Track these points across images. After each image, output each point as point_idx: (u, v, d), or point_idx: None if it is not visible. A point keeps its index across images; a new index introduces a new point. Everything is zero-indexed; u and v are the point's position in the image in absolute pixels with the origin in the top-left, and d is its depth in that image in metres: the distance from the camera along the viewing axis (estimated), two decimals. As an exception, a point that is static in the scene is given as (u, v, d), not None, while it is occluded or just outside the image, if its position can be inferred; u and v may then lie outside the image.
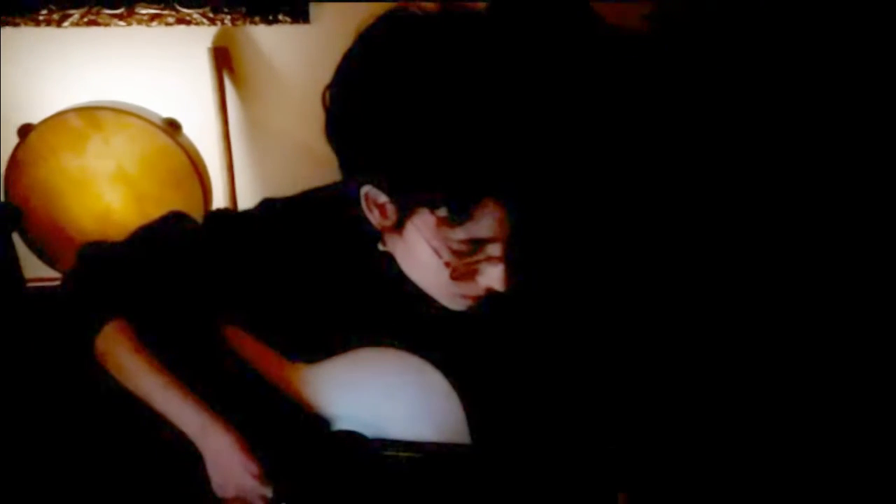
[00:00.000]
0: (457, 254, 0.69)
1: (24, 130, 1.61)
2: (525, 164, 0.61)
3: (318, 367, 0.81)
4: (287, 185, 2.00)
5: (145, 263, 0.80)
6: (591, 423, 0.80)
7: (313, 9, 1.75)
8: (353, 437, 0.80)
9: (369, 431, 0.80)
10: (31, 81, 1.73)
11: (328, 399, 0.81)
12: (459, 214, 0.64)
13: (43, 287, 1.78)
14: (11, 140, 1.63)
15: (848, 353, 1.22)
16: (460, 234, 0.66)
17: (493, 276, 0.69)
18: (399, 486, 0.78)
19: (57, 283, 1.78)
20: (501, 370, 0.80)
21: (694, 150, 1.31)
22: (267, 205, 0.85)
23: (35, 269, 1.77)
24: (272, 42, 1.80)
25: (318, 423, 0.81)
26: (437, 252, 0.69)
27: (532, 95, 0.61)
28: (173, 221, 0.85)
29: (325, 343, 0.80)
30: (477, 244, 0.68)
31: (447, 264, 0.69)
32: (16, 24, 1.66)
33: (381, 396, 0.80)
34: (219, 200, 1.82)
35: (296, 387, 0.81)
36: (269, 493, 0.75)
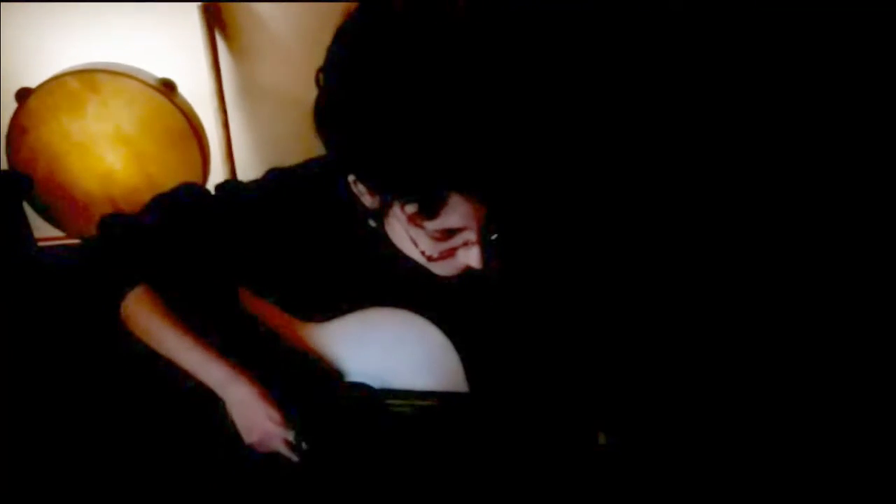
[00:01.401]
0: (434, 240, 0.74)
1: (23, 94, 1.63)
2: (484, 161, 0.64)
3: (327, 326, 0.89)
4: (282, 139, 2.05)
5: (165, 232, 0.86)
6: (573, 369, 0.89)
7: (303, -37, 1.76)
8: (362, 388, 0.89)
9: (376, 382, 0.89)
10: (23, 46, 1.74)
11: (338, 354, 0.89)
12: (427, 211, 0.68)
13: (51, 247, 1.84)
14: (7, 105, 1.66)
15: (843, 348, 1.24)
16: (434, 225, 0.71)
17: (470, 257, 0.75)
18: (405, 431, 0.87)
19: (64, 242, 1.85)
20: (492, 325, 0.88)
21: (674, 140, 1.34)
22: (273, 175, 0.90)
23: (40, 230, 1.82)
24: (262, -2, 1.81)
25: (330, 375, 0.89)
26: (413, 241, 0.75)
27: (487, 98, 0.63)
28: (187, 192, 0.91)
29: (333, 304, 0.88)
30: (451, 232, 0.73)
31: (422, 253, 0.76)
32: (6, -13, 1.66)
33: (386, 351, 0.88)
34: (216, 157, 1.86)
35: (308, 343, 0.89)
36: (290, 436, 0.84)
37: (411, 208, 0.70)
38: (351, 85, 0.67)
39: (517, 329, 0.88)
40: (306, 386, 0.88)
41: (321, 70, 0.72)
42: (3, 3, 1.68)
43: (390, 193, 0.71)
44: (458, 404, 0.87)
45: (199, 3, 1.75)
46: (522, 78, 0.65)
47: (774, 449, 1.10)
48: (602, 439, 0.82)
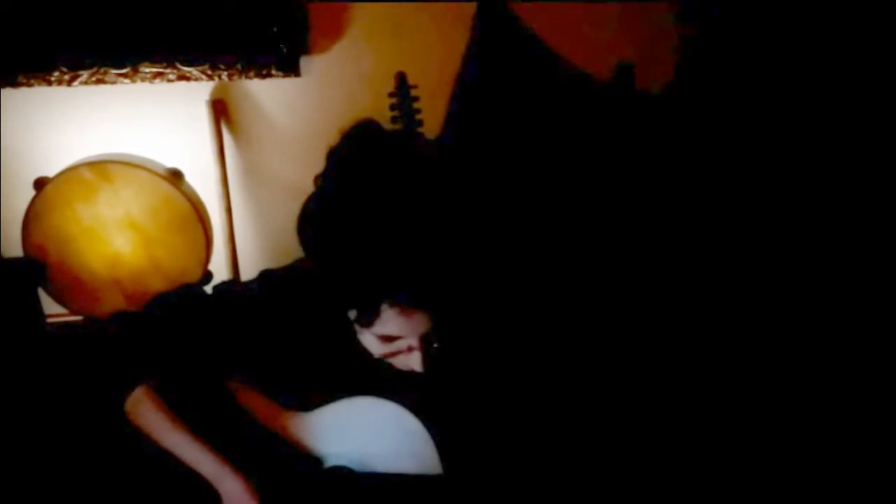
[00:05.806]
0: (380, 341, 0.88)
1: (40, 183, 1.75)
2: (409, 279, 0.80)
3: (311, 415, 0.97)
4: (280, 223, 2.15)
5: (166, 335, 0.95)
6: (539, 450, 0.97)
7: (303, 62, 1.91)
8: (343, 472, 0.96)
9: (357, 467, 0.95)
10: (43, 136, 1.88)
11: (321, 440, 0.97)
12: (363, 319, 0.84)
13: (58, 324, 1.92)
14: (23, 192, 1.78)
15: (847, 352, 1.25)
16: (375, 331, 0.86)
17: (412, 362, 0.89)
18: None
19: (69, 318, 1.93)
20: (463, 413, 0.96)
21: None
22: (265, 277, 1.00)
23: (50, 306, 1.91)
24: (266, 94, 1.95)
25: (312, 461, 0.97)
26: (361, 340, 0.90)
27: (398, 245, 0.80)
28: (185, 295, 1.00)
29: (317, 394, 0.96)
30: (392, 337, 0.87)
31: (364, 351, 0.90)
32: (30, 85, 1.80)
33: (366, 437, 0.95)
34: (219, 239, 1.97)
35: (293, 431, 0.97)
36: None
37: (352, 314, 0.86)
38: (310, 223, 0.90)
39: (483, 416, 0.96)
40: (291, 474, 0.95)
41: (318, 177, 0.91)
42: (24, 98, 1.82)
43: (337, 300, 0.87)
44: (433, 485, 0.93)
45: (208, 99, 1.90)
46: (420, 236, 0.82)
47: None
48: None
